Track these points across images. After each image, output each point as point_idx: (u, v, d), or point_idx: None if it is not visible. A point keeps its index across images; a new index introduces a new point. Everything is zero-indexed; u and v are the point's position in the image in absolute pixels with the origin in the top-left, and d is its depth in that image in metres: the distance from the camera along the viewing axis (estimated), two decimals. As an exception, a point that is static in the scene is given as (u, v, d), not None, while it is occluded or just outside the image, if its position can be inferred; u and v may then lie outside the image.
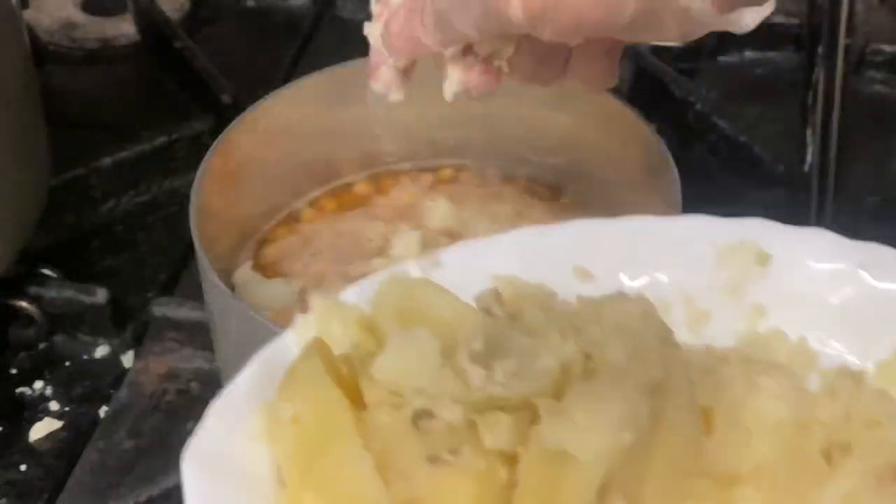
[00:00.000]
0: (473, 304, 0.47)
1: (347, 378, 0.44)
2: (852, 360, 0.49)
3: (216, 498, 0.43)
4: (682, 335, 0.50)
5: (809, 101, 0.81)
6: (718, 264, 0.51)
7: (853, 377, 0.47)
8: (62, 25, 1.02)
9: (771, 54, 0.98)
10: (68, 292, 0.79)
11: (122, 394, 0.77)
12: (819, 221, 0.81)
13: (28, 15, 0.99)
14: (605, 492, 0.41)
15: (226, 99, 0.91)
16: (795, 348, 0.49)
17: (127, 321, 0.80)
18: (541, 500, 0.41)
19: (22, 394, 0.77)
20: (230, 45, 1.02)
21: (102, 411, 0.76)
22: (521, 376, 0.43)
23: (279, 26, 1.04)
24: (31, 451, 0.74)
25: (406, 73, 0.59)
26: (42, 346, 0.80)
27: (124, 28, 1.02)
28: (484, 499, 0.42)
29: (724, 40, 0.98)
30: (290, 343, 0.48)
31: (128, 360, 0.79)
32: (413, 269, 0.51)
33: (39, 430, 0.75)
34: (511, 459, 0.42)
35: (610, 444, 0.41)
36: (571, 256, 0.51)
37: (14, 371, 0.78)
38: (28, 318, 0.79)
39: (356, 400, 0.44)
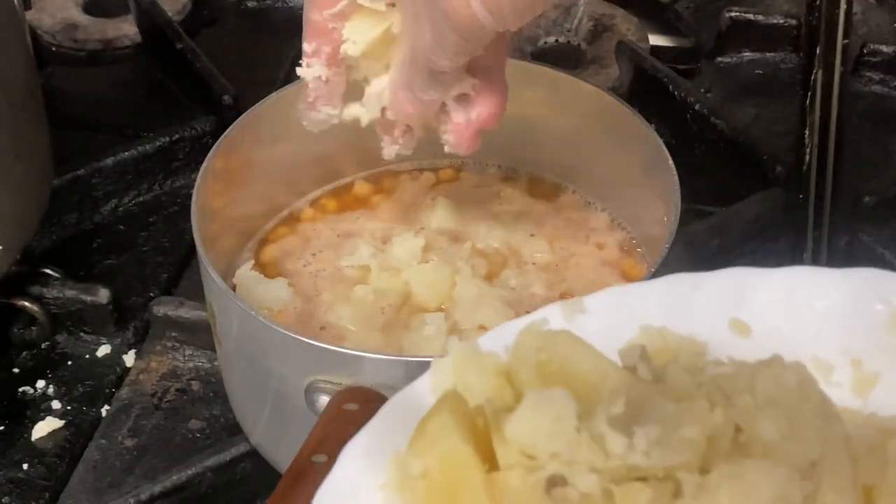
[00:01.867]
0: (617, 360, 0.45)
1: (482, 431, 0.43)
2: None
3: None
4: (846, 399, 0.47)
5: (808, 101, 0.82)
6: (892, 324, 0.48)
7: None
8: (64, 26, 1.02)
9: (770, 54, 0.98)
10: (70, 292, 0.79)
11: (124, 393, 0.77)
12: (817, 221, 0.81)
13: (30, 16, 1.00)
14: None
15: (227, 99, 0.91)
16: None
17: (128, 320, 0.80)
18: None
19: (24, 393, 0.77)
20: (231, 45, 1.02)
21: (104, 410, 0.76)
22: (664, 445, 0.40)
23: (279, 26, 1.04)
24: (33, 450, 0.74)
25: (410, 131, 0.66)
26: (44, 345, 0.80)
27: (126, 29, 1.02)
28: None
29: (724, 40, 0.98)
30: (426, 388, 0.47)
31: (129, 359, 0.79)
32: (556, 315, 0.49)
33: (41, 429, 0.75)
34: None
35: None
36: (727, 309, 0.48)
37: (16, 370, 0.79)
38: (30, 318, 0.79)
39: (489, 456, 0.42)
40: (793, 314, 0.48)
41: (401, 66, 0.62)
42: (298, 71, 0.66)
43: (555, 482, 0.41)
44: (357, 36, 0.63)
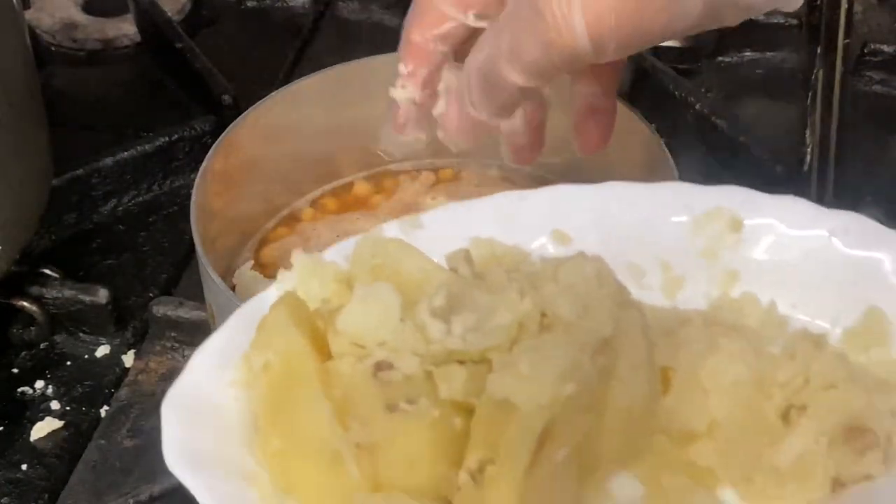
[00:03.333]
0: (444, 265, 0.49)
1: (320, 331, 0.46)
2: (822, 326, 0.49)
3: (193, 443, 0.45)
4: (657, 300, 0.51)
5: (809, 101, 0.81)
6: (694, 230, 0.52)
7: (814, 341, 0.48)
8: (63, 26, 1.02)
9: (771, 54, 0.98)
10: (69, 292, 0.79)
11: (123, 393, 0.77)
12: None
13: (30, 15, 0.99)
14: (549, 441, 0.43)
15: (226, 99, 0.91)
16: (766, 313, 0.50)
17: (128, 321, 0.80)
18: (487, 447, 0.42)
19: (23, 393, 0.77)
20: (230, 45, 1.02)
21: (103, 411, 0.76)
22: (478, 331, 0.44)
23: (279, 26, 1.04)
24: (32, 451, 0.74)
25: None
26: (43, 345, 0.80)
27: (125, 28, 1.02)
28: (437, 446, 0.43)
29: (724, 40, 0.98)
30: (271, 298, 0.49)
31: (128, 359, 0.79)
32: (393, 229, 0.52)
33: (40, 430, 0.75)
34: (466, 410, 0.44)
35: (551, 395, 0.42)
36: (549, 220, 0.52)
37: (15, 371, 0.79)
38: (29, 318, 0.79)
39: (325, 352, 0.46)
40: (607, 225, 0.52)
41: (459, 75, 0.57)
42: (391, 92, 0.62)
43: (381, 367, 0.44)
44: None
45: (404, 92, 0.61)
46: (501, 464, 0.42)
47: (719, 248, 0.52)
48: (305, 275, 0.49)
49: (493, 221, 0.53)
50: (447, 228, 0.52)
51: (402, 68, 0.60)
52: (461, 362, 0.44)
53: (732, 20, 0.50)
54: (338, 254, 0.51)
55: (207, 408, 0.46)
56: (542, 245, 0.53)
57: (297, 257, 0.50)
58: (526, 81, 0.53)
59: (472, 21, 0.57)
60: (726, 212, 0.52)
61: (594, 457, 0.45)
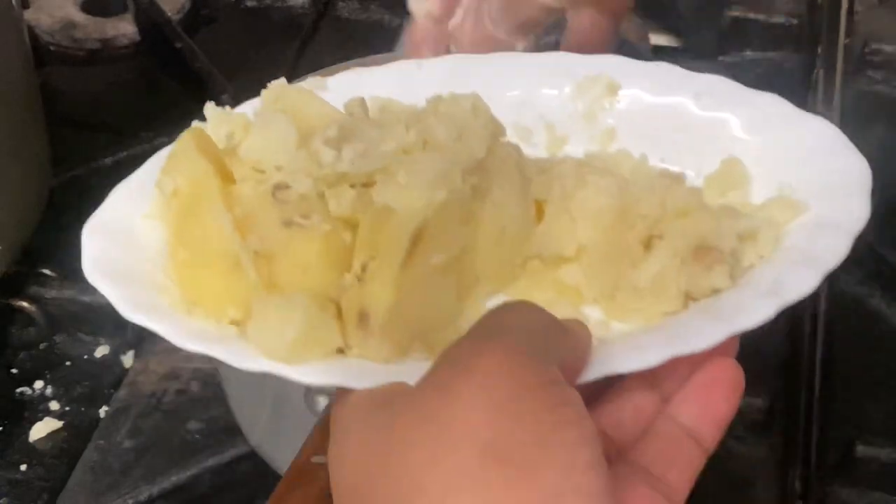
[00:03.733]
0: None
1: (225, 164, 0.51)
2: (687, 174, 0.54)
3: (111, 262, 0.49)
4: (542, 156, 0.57)
5: (809, 101, 0.81)
6: (576, 94, 0.57)
7: (672, 178, 0.53)
8: (63, 25, 1.02)
9: (771, 54, 0.98)
10: (68, 292, 0.79)
11: (122, 394, 0.77)
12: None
13: (28, 15, 0.99)
14: (424, 243, 0.47)
15: (225, 99, 0.91)
16: (637, 165, 0.55)
17: (127, 321, 0.80)
18: (368, 248, 0.47)
19: (22, 394, 0.77)
20: (230, 45, 1.02)
21: (102, 411, 0.76)
22: (366, 157, 0.49)
23: (279, 26, 1.04)
24: (31, 451, 0.74)
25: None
26: (42, 346, 0.80)
27: (124, 28, 1.02)
28: (329, 256, 0.48)
29: (724, 40, 0.98)
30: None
31: (128, 360, 0.79)
32: (300, 86, 0.56)
33: (40, 430, 0.75)
34: (355, 227, 0.48)
35: (425, 199, 0.48)
36: (444, 85, 0.55)
37: (14, 371, 0.78)
38: (28, 318, 0.79)
39: (229, 179, 0.50)
40: (497, 90, 0.56)
41: None
42: (410, 4, 0.64)
43: (279, 187, 0.49)
44: None
45: (422, 5, 0.64)
46: (380, 260, 0.47)
47: (597, 110, 0.57)
48: (216, 122, 0.54)
49: (393, 85, 0.57)
50: (351, 91, 0.56)
51: None
52: (352, 186, 0.49)
53: None
54: (248, 108, 0.55)
55: (124, 233, 0.51)
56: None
57: (209, 108, 0.54)
58: (554, 1, 0.59)
59: None
60: (605, 78, 0.57)
61: (472, 275, 0.50)
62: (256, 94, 0.77)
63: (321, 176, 0.49)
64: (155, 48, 1.00)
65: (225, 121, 0.54)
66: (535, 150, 0.57)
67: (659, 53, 0.94)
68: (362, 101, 0.54)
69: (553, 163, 0.54)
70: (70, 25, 1.02)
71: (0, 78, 0.74)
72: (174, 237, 0.50)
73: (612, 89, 0.57)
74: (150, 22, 0.99)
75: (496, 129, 0.53)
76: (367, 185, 0.49)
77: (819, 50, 0.80)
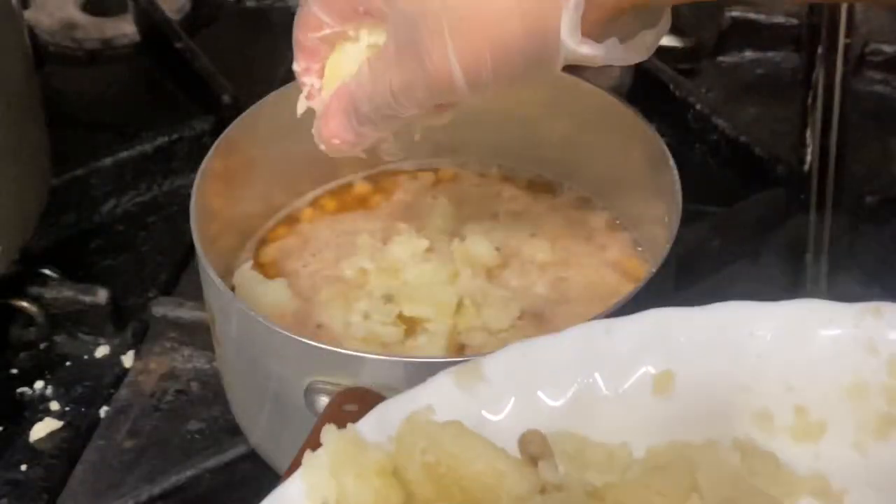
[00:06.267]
0: (516, 450, 0.41)
1: None
2: None
3: None
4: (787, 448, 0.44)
5: (809, 101, 0.82)
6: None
7: None
8: (63, 26, 1.02)
9: (771, 54, 0.98)
10: (69, 292, 0.79)
11: (123, 394, 0.77)
12: (818, 221, 0.81)
13: (29, 15, 0.99)
14: None
15: (226, 99, 0.91)
16: None
17: (127, 321, 0.80)
18: None
19: (22, 394, 0.77)
20: (230, 45, 1.02)
21: (103, 411, 0.76)
22: None
23: (279, 26, 1.04)
24: (31, 451, 0.74)
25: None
26: (42, 346, 0.80)
27: (125, 28, 1.02)
28: None
29: (725, 40, 0.98)
30: (299, 492, 0.42)
31: (128, 360, 0.79)
32: (449, 387, 0.43)
33: (40, 430, 0.75)
34: None
35: None
36: (645, 351, 0.45)
37: (14, 371, 0.78)
38: (28, 318, 0.79)
39: None
40: (724, 353, 0.44)
41: (346, 90, 0.62)
42: (299, 105, 0.66)
43: None
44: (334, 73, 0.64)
45: (307, 80, 0.66)
46: None
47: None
48: (340, 465, 0.40)
49: (576, 366, 0.44)
50: (516, 385, 0.43)
51: (296, 66, 0.66)
52: None
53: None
54: (374, 430, 0.42)
55: None
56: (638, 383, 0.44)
57: (329, 436, 0.41)
58: (419, 110, 0.59)
59: (348, 29, 0.63)
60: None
61: None
62: (257, 94, 0.77)
63: None
64: (155, 48, 1.00)
65: (352, 460, 0.40)
66: (777, 439, 0.43)
67: (660, 53, 0.94)
68: (544, 440, 0.40)
69: None
70: (70, 25, 1.02)
71: (0, 78, 0.74)
72: None
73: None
74: (150, 22, 0.99)
75: None
76: None
77: (819, 50, 0.80)
